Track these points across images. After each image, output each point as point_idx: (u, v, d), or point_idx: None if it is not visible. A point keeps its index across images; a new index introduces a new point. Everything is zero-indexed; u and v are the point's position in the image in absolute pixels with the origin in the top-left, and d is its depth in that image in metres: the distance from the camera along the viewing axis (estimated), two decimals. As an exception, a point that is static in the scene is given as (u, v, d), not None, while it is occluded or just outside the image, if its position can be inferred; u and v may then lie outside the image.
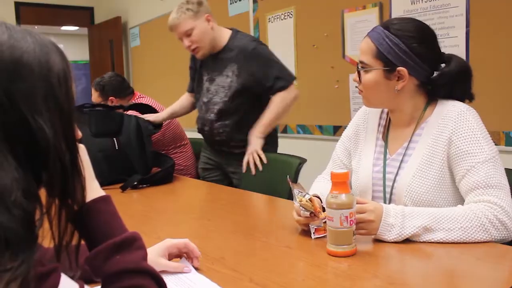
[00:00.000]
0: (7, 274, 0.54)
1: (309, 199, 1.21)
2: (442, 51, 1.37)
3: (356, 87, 1.42)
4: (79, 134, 0.77)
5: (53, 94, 0.65)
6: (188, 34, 2.21)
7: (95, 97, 3.02)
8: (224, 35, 2.29)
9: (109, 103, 3.03)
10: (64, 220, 0.69)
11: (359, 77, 1.36)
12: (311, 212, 1.21)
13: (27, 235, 0.58)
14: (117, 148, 2.26)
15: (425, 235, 1.14)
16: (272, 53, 2.28)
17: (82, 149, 0.79)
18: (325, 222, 1.19)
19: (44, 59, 0.65)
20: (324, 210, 1.33)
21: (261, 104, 2.24)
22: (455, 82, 1.34)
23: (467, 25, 2.26)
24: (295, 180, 1.27)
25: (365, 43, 1.35)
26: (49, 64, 0.65)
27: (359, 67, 1.36)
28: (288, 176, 1.27)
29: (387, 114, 1.47)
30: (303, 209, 1.21)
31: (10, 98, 0.60)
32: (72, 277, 0.67)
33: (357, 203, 1.14)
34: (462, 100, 1.37)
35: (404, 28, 1.31)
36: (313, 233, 1.23)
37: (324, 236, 1.22)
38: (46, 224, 0.65)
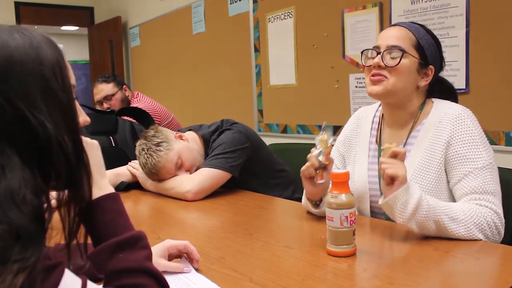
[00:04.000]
0: (16, 265, 0.54)
1: (330, 145, 1.27)
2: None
3: (380, 73, 1.32)
4: (87, 119, 0.77)
5: (49, 87, 0.64)
6: (179, 166, 1.85)
7: (110, 88, 2.99)
8: (199, 140, 1.98)
9: (125, 91, 3.04)
10: (73, 214, 0.69)
11: (400, 59, 1.29)
12: (319, 152, 1.25)
13: (37, 230, 0.59)
14: (113, 145, 2.26)
15: (432, 214, 1.13)
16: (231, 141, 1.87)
17: (95, 145, 0.80)
18: (323, 165, 1.27)
19: (34, 53, 0.64)
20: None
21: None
22: (451, 96, 1.44)
23: (467, 25, 2.25)
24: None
25: (400, 31, 1.34)
26: (41, 57, 0.65)
27: (391, 49, 1.30)
28: (325, 123, 1.30)
29: (380, 118, 1.47)
30: (317, 145, 1.26)
31: (7, 98, 0.60)
32: (81, 268, 0.68)
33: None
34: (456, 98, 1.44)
35: (432, 33, 1.38)
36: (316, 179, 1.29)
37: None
38: (53, 223, 0.65)
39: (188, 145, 1.90)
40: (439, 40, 1.41)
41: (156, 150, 1.81)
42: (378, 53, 1.32)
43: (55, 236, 0.66)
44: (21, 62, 0.63)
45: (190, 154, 1.88)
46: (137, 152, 1.88)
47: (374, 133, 1.47)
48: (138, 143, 1.89)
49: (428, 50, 1.33)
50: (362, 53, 1.39)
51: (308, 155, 1.27)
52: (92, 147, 0.78)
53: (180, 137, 1.90)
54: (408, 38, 1.32)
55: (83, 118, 0.77)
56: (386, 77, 1.31)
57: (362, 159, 1.46)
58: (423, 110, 1.37)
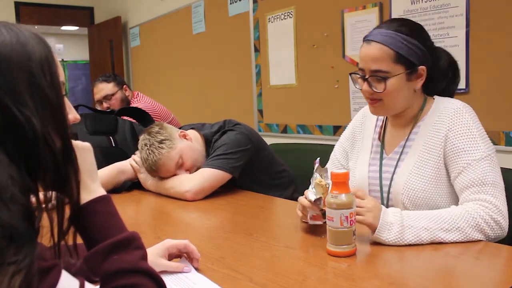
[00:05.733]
0: (12, 267, 0.54)
1: (327, 186, 1.19)
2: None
3: (372, 97, 1.33)
4: (78, 117, 0.76)
5: (37, 83, 0.64)
6: (180, 165, 1.85)
7: (110, 87, 2.98)
8: (201, 140, 1.98)
9: (125, 91, 3.04)
10: (61, 214, 0.69)
11: (384, 86, 1.28)
12: (317, 199, 1.19)
13: (29, 229, 0.58)
14: (113, 145, 2.26)
15: (424, 236, 1.14)
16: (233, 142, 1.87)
17: (87, 148, 0.79)
18: (323, 212, 1.20)
19: (21, 49, 0.64)
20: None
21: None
22: (450, 71, 1.37)
23: (467, 25, 2.25)
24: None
25: (377, 50, 1.27)
26: (28, 53, 0.64)
27: (374, 77, 1.29)
28: (319, 158, 1.24)
29: (384, 116, 1.48)
30: (314, 190, 1.20)
31: None
32: (73, 266, 0.67)
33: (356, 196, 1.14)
34: (453, 91, 1.40)
35: (412, 28, 1.32)
36: (310, 218, 1.22)
37: (321, 225, 1.22)
38: (45, 223, 0.65)
39: (191, 145, 1.90)
40: (423, 29, 1.35)
41: (159, 147, 1.81)
42: (365, 79, 1.31)
43: (46, 235, 0.65)
44: (7, 57, 0.62)
45: (192, 154, 1.87)
46: (139, 146, 1.88)
47: (378, 130, 1.48)
48: (141, 137, 1.88)
49: (413, 55, 1.27)
50: (350, 75, 1.39)
51: (308, 206, 1.21)
52: (84, 150, 0.77)
53: (184, 136, 1.90)
54: (386, 55, 1.27)
55: (73, 115, 0.76)
56: (381, 99, 1.32)
57: (364, 155, 1.47)
58: (424, 109, 1.37)
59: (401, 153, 1.37)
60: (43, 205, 0.66)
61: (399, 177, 1.33)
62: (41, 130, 0.63)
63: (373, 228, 1.14)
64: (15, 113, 0.61)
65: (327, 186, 1.18)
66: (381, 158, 1.41)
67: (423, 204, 1.28)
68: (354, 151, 1.53)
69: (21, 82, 0.62)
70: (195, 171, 1.86)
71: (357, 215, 1.12)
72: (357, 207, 1.12)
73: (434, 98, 1.38)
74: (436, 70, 1.35)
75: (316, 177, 1.21)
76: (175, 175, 1.86)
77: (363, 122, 1.53)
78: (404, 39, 1.27)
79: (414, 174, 1.30)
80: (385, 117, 1.47)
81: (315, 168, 1.22)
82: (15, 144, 0.61)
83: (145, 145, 1.84)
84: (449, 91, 1.40)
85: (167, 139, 1.83)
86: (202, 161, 1.91)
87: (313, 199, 1.19)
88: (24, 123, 0.61)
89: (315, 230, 1.30)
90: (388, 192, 1.36)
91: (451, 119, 1.28)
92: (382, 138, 1.45)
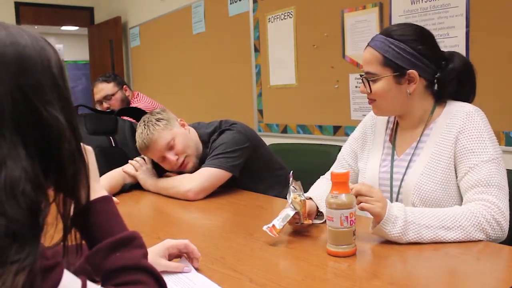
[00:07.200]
0: (15, 266, 0.54)
1: (302, 200, 1.22)
2: (441, 49, 1.40)
3: (368, 97, 1.40)
4: None
5: (57, 84, 0.67)
6: (170, 147, 1.86)
7: (110, 87, 2.97)
8: (197, 136, 1.99)
9: (125, 91, 3.03)
10: (68, 213, 0.70)
11: (370, 88, 1.35)
12: (296, 213, 1.22)
13: (33, 227, 0.59)
14: (113, 145, 2.26)
15: (425, 234, 1.14)
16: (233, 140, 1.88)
17: (90, 151, 0.81)
18: (304, 225, 1.23)
19: (42, 52, 0.67)
20: (318, 215, 1.33)
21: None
22: (461, 77, 1.37)
23: (467, 25, 2.25)
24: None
25: (368, 54, 1.36)
26: (47, 56, 0.67)
27: (365, 78, 1.36)
28: (292, 172, 1.27)
29: (395, 118, 1.48)
30: (292, 207, 1.22)
31: (22, 92, 0.62)
32: (73, 265, 0.68)
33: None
34: (468, 97, 1.40)
35: (406, 32, 1.34)
36: (267, 228, 1.21)
37: (320, 225, 1.22)
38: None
39: (187, 133, 1.93)
40: (426, 32, 1.36)
41: (155, 123, 1.86)
42: (363, 80, 1.39)
43: (45, 234, 0.66)
44: (32, 58, 0.65)
45: (185, 141, 1.89)
46: (138, 125, 1.92)
47: (389, 132, 1.49)
48: (142, 118, 1.93)
49: (399, 59, 1.31)
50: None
51: (288, 221, 1.22)
52: (87, 152, 0.79)
53: (183, 125, 1.95)
54: (374, 59, 1.34)
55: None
56: (375, 99, 1.38)
57: (375, 156, 1.48)
58: (435, 111, 1.38)
59: (413, 154, 1.37)
60: (50, 203, 0.67)
61: (410, 177, 1.34)
62: (67, 129, 0.65)
63: (379, 219, 1.13)
64: (41, 111, 0.63)
65: (302, 201, 1.22)
66: (392, 159, 1.42)
67: (433, 205, 1.29)
68: (365, 152, 1.53)
69: (45, 83, 0.65)
70: (184, 160, 1.87)
71: (365, 203, 1.13)
72: (365, 196, 1.13)
73: (446, 102, 1.38)
74: (443, 74, 1.36)
75: (292, 193, 1.24)
76: (163, 157, 1.86)
77: (374, 124, 1.54)
78: (392, 43, 1.32)
79: (425, 175, 1.31)
80: (395, 120, 1.48)
81: (290, 182, 1.25)
82: (36, 140, 0.63)
83: (143, 121, 1.89)
84: (463, 95, 1.39)
85: (165, 120, 1.88)
86: (193, 151, 1.92)
87: (290, 212, 1.21)
88: (51, 122, 0.64)
89: (315, 230, 1.30)
90: (398, 193, 1.37)
91: (462, 122, 1.30)
92: (393, 139, 1.46)
